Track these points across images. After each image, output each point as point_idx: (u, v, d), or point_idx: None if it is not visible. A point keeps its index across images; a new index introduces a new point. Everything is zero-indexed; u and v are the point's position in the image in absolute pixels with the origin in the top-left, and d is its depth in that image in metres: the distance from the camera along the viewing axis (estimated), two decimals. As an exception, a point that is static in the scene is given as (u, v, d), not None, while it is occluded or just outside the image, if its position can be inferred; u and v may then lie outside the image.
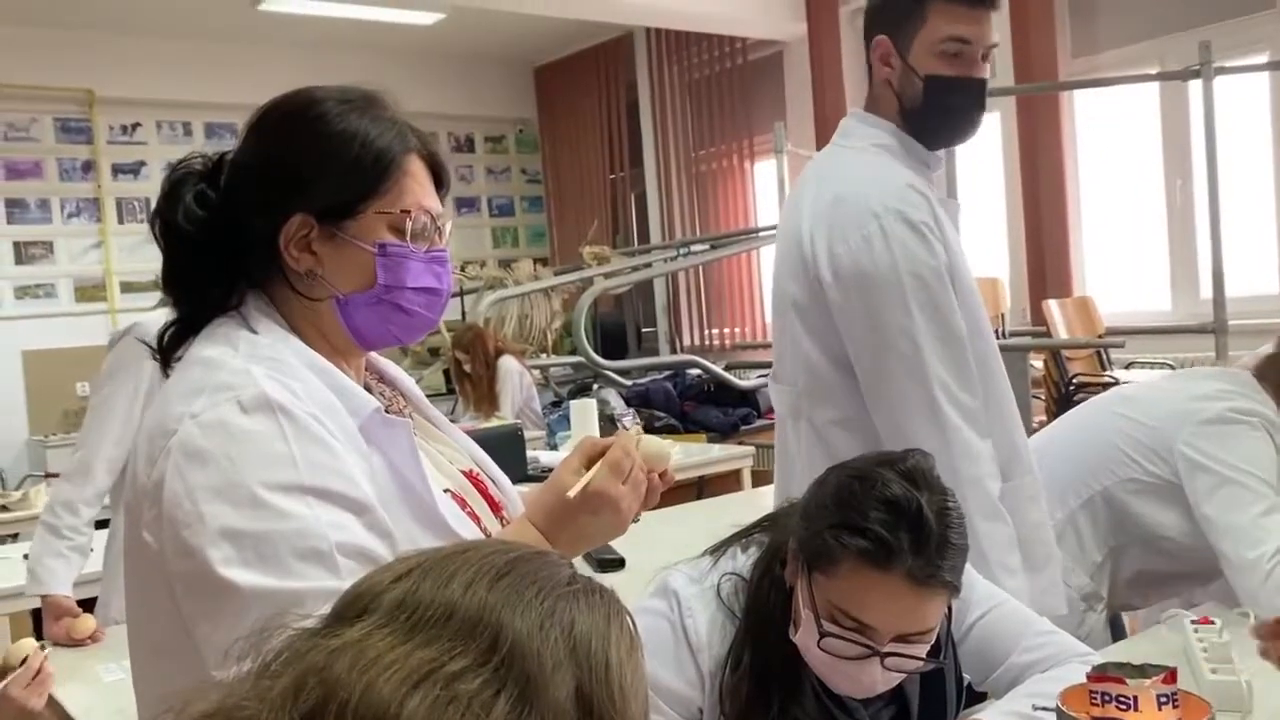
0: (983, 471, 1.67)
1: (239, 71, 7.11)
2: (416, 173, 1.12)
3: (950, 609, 1.28)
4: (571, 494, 1.07)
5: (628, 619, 0.67)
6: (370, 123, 1.10)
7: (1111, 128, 5.78)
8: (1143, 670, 1.04)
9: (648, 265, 7.02)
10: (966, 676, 1.40)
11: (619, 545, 2.42)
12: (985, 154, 6.12)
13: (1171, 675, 0.91)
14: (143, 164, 7.35)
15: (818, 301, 1.74)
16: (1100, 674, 1.03)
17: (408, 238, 1.10)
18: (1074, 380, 4.79)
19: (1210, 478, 1.87)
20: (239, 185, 1.10)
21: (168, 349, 1.12)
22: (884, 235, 1.66)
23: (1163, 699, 0.99)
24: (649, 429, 5.20)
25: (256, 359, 1.04)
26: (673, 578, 1.39)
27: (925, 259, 1.66)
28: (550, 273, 7.40)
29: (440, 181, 1.16)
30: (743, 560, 1.39)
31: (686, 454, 4.16)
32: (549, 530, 1.08)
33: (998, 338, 5.30)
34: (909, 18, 1.76)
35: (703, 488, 4.11)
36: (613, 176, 8.49)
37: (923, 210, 1.69)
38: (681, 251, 6.90)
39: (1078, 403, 4.52)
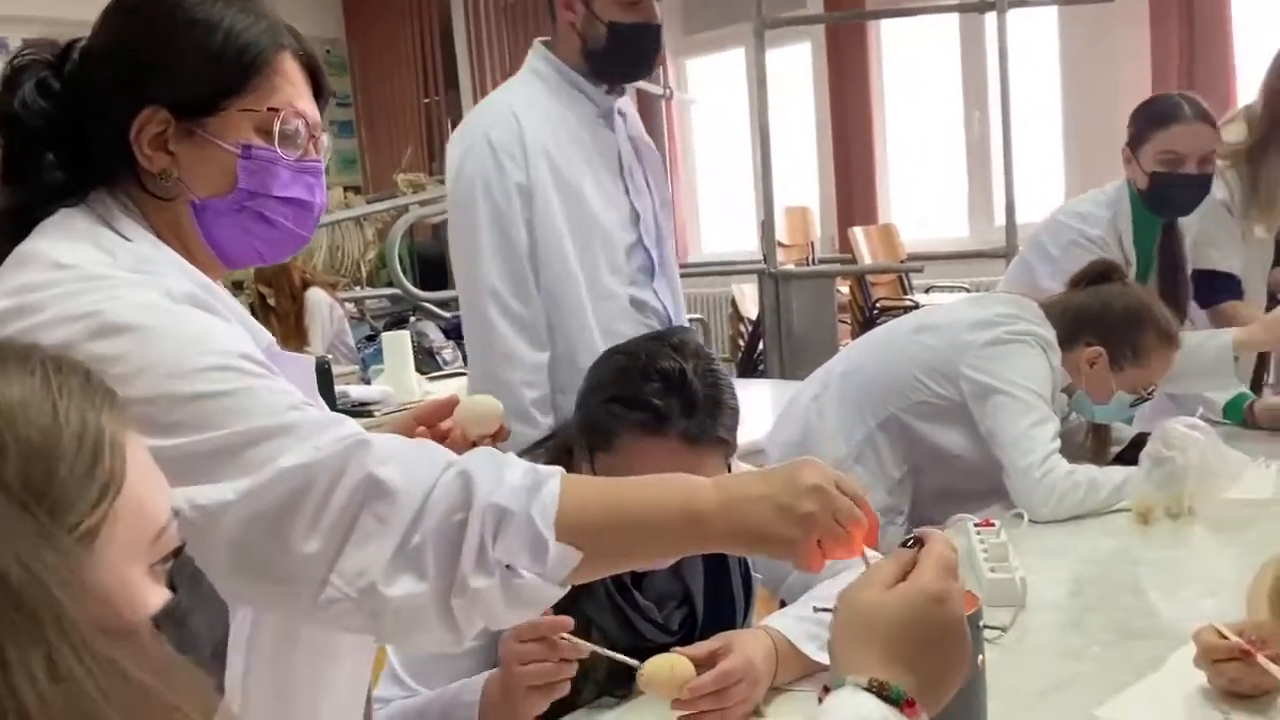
0: (516, 379, 1.84)
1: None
2: (290, 73, 1.03)
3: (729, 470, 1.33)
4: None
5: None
6: (239, 14, 1.00)
7: (916, 60, 5.97)
8: (919, 569, 1.08)
9: (465, 193, 6.84)
10: (758, 577, 1.45)
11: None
12: (796, 84, 6.23)
13: (942, 570, 0.94)
14: None
15: None
16: (878, 574, 1.06)
17: (275, 141, 1.01)
18: (877, 304, 4.99)
19: (989, 394, 1.99)
20: (88, 73, 0.99)
21: None
22: (472, 153, 1.88)
23: (936, 595, 1.03)
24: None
25: (147, 276, 0.91)
26: None
27: (496, 177, 1.86)
28: (362, 201, 7.14)
29: (319, 91, 1.08)
30: None
31: (504, 384, 4.11)
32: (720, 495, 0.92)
33: (807, 265, 5.50)
34: None
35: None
36: (427, 100, 8.20)
37: (509, 133, 1.87)
38: (499, 179, 6.75)
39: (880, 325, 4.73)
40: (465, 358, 5.32)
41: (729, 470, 1.33)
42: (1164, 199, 2.37)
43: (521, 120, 1.88)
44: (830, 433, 2.18)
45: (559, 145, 1.91)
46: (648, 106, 6.32)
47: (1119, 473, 1.96)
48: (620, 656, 1.22)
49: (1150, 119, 2.37)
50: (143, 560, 0.53)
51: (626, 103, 2.09)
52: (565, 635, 1.18)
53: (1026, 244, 2.67)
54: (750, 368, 5.20)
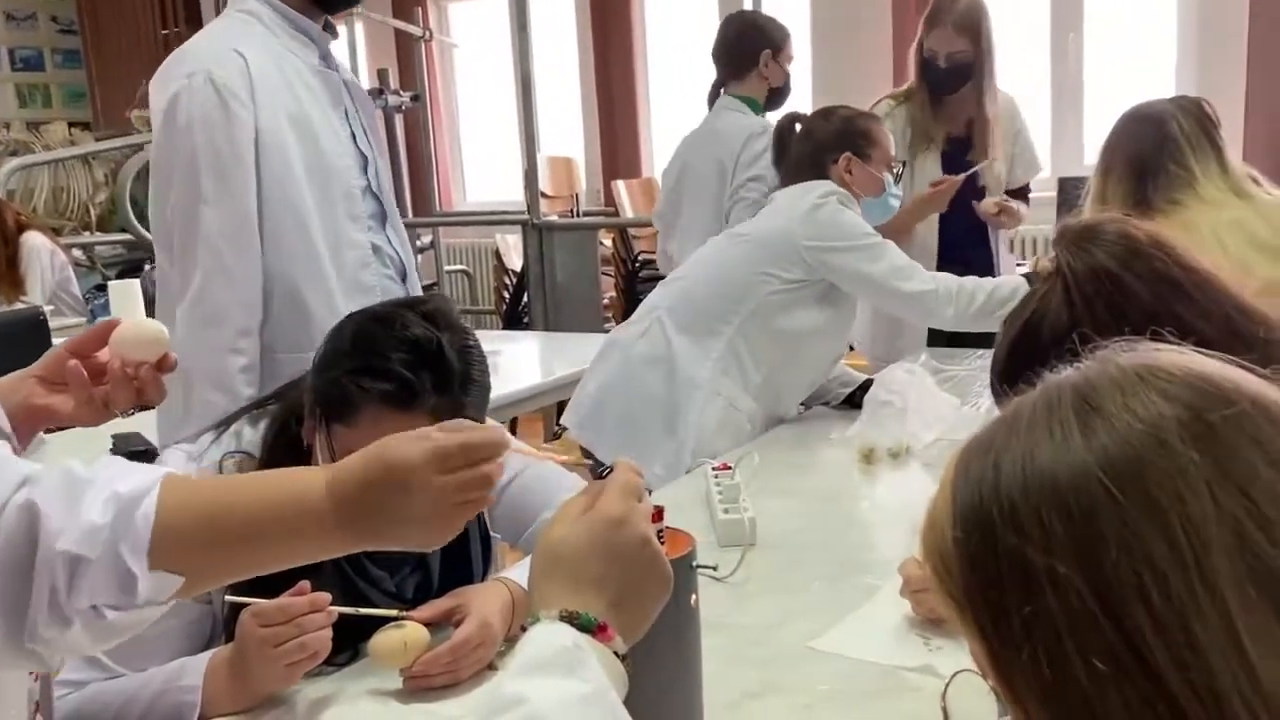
0: (223, 343, 1.68)
1: None
2: None
3: None
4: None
5: None
6: None
7: (677, 13, 6.03)
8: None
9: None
10: (496, 536, 1.42)
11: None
12: (559, 33, 6.17)
13: (658, 513, 0.94)
14: None
15: None
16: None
17: None
18: (639, 257, 5.05)
19: (834, 254, 2.16)
20: None
21: None
22: (191, 93, 1.67)
23: (654, 537, 1.04)
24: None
25: None
26: (168, 456, 1.27)
27: (220, 119, 1.67)
28: (91, 138, 6.54)
29: None
30: (251, 435, 1.28)
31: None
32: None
33: (571, 216, 5.49)
34: None
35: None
36: (166, 32, 7.54)
37: (235, 73, 1.68)
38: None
39: (645, 279, 4.77)
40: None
41: None
42: None
43: (249, 59, 1.71)
44: (687, 358, 2.19)
45: (289, 87, 1.76)
46: (406, 49, 6.10)
47: (989, 281, 2.19)
48: (376, 611, 1.17)
49: None
50: None
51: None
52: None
53: None
54: (515, 319, 5.15)
